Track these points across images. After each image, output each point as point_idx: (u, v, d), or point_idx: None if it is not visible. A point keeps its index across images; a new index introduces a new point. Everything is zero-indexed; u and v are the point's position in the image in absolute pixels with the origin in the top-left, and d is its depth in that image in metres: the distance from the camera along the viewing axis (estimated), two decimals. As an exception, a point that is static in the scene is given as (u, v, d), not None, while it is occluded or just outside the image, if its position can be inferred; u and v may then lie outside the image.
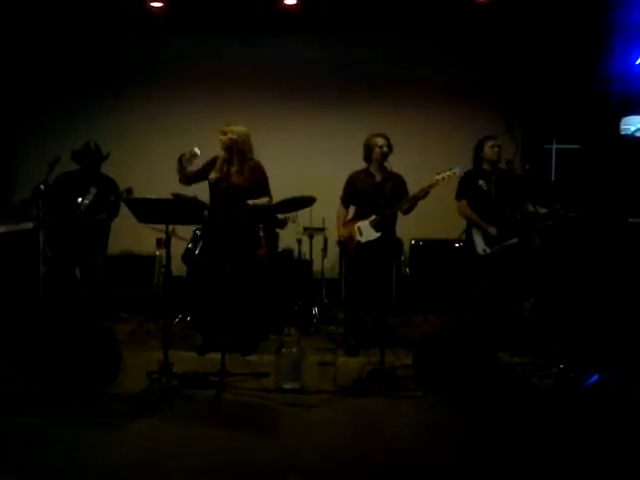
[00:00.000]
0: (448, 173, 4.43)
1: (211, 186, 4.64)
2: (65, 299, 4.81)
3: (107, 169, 5.16)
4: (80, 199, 4.86)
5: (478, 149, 4.82)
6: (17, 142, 6.82)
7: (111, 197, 4.80)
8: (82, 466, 2.92)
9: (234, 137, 4.51)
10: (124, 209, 4.00)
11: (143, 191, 4.13)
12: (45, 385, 3.80)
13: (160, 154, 6.57)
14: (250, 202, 4.59)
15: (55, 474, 2.86)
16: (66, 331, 4.00)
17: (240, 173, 4.58)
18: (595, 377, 3.78)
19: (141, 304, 6.01)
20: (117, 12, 5.96)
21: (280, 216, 5.50)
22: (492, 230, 4.68)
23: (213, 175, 4.62)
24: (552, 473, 2.92)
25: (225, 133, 4.54)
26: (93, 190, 4.88)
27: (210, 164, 4.68)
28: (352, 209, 4.95)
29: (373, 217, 4.67)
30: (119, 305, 6.03)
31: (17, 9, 5.82)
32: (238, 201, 4.57)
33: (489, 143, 4.76)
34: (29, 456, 3.00)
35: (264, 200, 4.71)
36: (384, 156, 4.70)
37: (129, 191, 4.70)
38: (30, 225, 4.98)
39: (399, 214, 4.73)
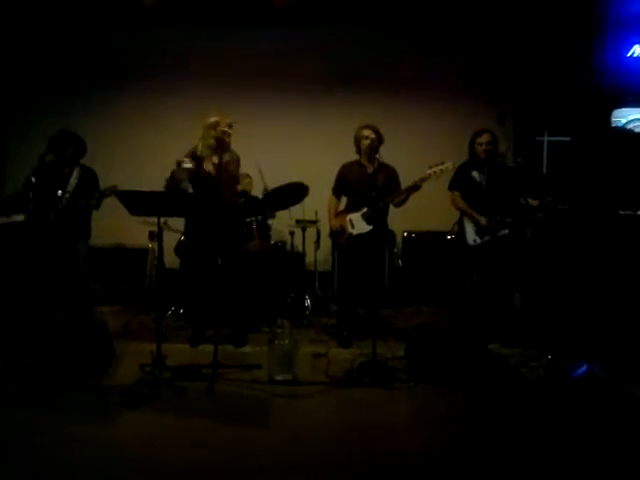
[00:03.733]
0: (440, 167, 4.42)
1: (204, 178, 4.61)
2: (56, 292, 4.77)
3: (100, 162, 5.13)
4: (60, 192, 4.73)
5: (471, 142, 4.83)
6: (8, 134, 6.78)
7: (95, 194, 4.69)
8: (75, 458, 2.93)
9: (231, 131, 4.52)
10: (116, 201, 3.99)
11: (136, 184, 4.10)
12: (38, 378, 3.79)
13: (153, 146, 6.59)
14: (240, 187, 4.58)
15: (48, 466, 2.87)
16: (58, 324, 4.00)
17: (231, 162, 4.60)
18: (584, 368, 3.81)
19: (134, 296, 6.01)
20: (113, 4, 5.93)
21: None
22: (483, 220, 4.70)
23: (209, 168, 4.60)
24: (543, 462, 2.95)
25: (231, 126, 4.51)
26: (73, 181, 4.78)
27: (195, 158, 4.66)
28: (344, 200, 4.96)
29: (365, 209, 4.67)
30: (112, 297, 6.04)
31: (14, 2, 5.78)
32: (232, 191, 4.58)
33: (478, 140, 4.76)
34: (22, 448, 3.01)
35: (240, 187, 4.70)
36: (372, 148, 4.67)
37: (114, 189, 4.57)
38: (22, 217, 4.94)
39: (391, 206, 4.75)
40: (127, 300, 6.00)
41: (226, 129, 4.48)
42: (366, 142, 4.68)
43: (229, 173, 4.53)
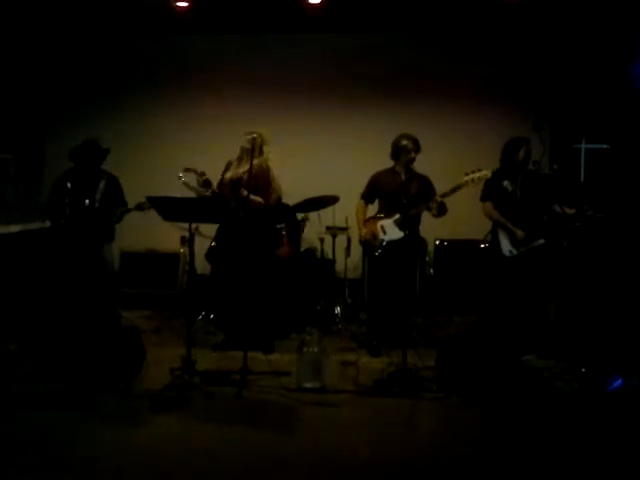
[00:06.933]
0: (478, 174, 4.36)
1: (227, 185, 4.64)
2: (85, 296, 4.83)
3: (132, 168, 5.20)
4: (87, 201, 4.79)
5: (512, 150, 4.68)
6: (46, 141, 6.94)
7: (117, 211, 4.79)
8: (105, 460, 2.95)
9: (259, 136, 4.53)
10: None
11: (162, 190, 4.14)
12: (70, 381, 3.85)
13: (186, 153, 6.64)
14: (245, 193, 4.50)
15: (78, 467, 2.89)
16: (91, 328, 4.05)
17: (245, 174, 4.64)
18: (619, 381, 3.69)
19: (165, 301, 6.07)
20: (146, 13, 6.03)
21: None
22: (519, 232, 4.60)
23: (230, 175, 4.65)
24: (575, 475, 2.86)
25: (250, 133, 4.56)
26: (100, 190, 4.84)
27: (225, 169, 4.75)
28: (371, 207, 4.95)
29: (397, 216, 4.64)
30: (143, 302, 6.10)
31: (50, 13, 5.93)
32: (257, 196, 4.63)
33: (525, 147, 4.66)
34: (52, 451, 3.04)
35: (259, 199, 4.65)
36: (410, 159, 4.68)
37: (139, 206, 4.67)
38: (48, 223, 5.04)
39: (424, 214, 4.70)
40: (159, 304, 6.07)
41: (247, 136, 4.51)
42: (410, 155, 4.67)
43: (244, 182, 4.54)
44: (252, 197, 4.53)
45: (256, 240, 4.55)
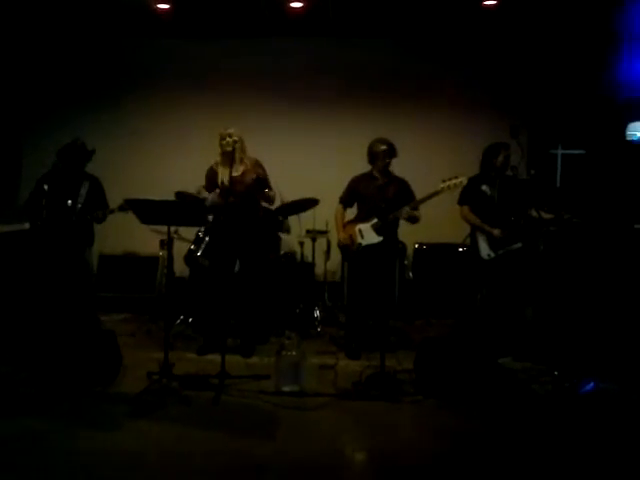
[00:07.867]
0: (454, 181, 4.40)
1: (221, 191, 4.63)
2: (64, 300, 4.77)
3: (111, 172, 5.15)
4: (70, 202, 4.75)
5: (492, 155, 4.75)
6: (23, 142, 6.85)
7: (99, 212, 4.74)
8: (80, 466, 2.92)
9: (237, 139, 4.52)
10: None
11: (145, 192, 4.12)
12: (45, 385, 3.80)
13: (165, 157, 6.62)
14: (267, 191, 4.69)
15: (53, 474, 2.86)
16: (67, 331, 4.01)
17: (248, 172, 4.65)
18: (591, 384, 3.76)
19: (144, 304, 6.02)
20: (127, 14, 5.98)
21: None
22: (496, 232, 4.65)
23: (221, 180, 4.63)
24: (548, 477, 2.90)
25: (230, 136, 4.55)
26: (83, 191, 4.80)
27: (212, 175, 4.73)
28: (350, 211, 4.97)
29: (375, 221, 4.66)
30: (122, 305, 6.05)
31: (27, 11, 5.86)
32: (252, 200, 4.67)
33: (505, 153, 4.73)
34: (28, 456, 3.00)
35: (272, 193, 4.76)
36: (386, 163, 4.71)
37: (122, 207, 4.57)
38: (27, 225, 4.97)
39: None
40: (137, 308, 6.01)
41: (227, 139, 4.53)
42: (385, 160, 4.69)
43: (245, 184, 4.59)
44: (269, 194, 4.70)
45: (245, 243, 4.57)
